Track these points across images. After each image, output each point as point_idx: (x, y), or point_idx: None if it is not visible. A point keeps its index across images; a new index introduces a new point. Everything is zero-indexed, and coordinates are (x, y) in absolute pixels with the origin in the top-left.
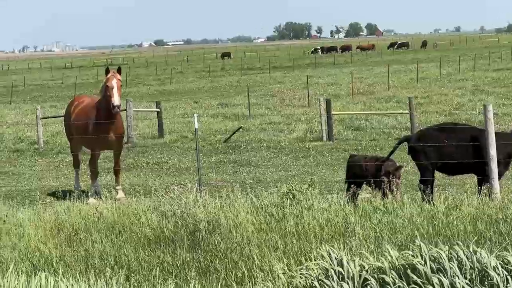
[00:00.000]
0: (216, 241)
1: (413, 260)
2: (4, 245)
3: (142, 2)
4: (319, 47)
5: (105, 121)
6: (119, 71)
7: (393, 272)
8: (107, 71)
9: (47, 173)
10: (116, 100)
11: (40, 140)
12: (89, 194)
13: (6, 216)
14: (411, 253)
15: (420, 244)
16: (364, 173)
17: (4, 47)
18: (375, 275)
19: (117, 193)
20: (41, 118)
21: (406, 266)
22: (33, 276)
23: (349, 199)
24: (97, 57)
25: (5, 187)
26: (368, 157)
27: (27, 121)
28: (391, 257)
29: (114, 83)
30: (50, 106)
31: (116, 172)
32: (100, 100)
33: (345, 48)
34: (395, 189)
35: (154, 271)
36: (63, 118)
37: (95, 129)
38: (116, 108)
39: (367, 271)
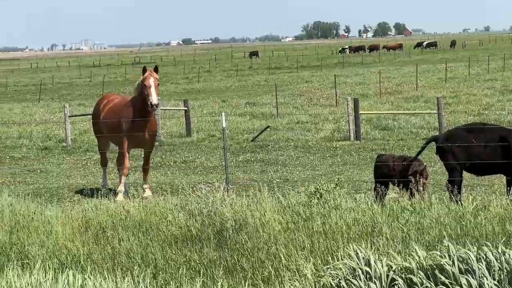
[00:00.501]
0: (243, 240)
1: (441, 261)
2: (32, 242)
3: (171, 1)
4: (346, 47)
5: (140, 119)
6: (156, 70)
7: (420, 273)
8: (144, 70)
9: (74, 171)
10: (154, 99)
11: (68, 138)
12: (117, 192)
13: (34, 213)
14: (439, 253)
15: (448, 245)
16: (392, 172)
17: (33, 45)
18: (403, 275)
19: (145, 191)
20: (69, 116)
21: (434, 266)
22: (60, 273)
23: (376, 199)
24: (125, 56)
25: (34, 185)
26: (396, 157)
27: (55, 119)
28: (419, 257)
29: (151, 82)
30: (78, 104)
31: (145, 171)
32: (135, 98)
33: (373, 48)
34: (422, 189)
35: (181, 269)
36: (91, 116)
37: (129, 128)
38: (154, 106)
39: (394, 271)
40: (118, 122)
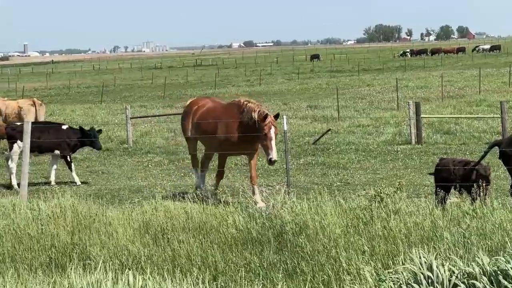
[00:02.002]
0: (303, 243)
1: (506, 266)
2: (93, 243)
3: (233, 3)
4: (408, 50)
5: (246, 134)
6: (276, 117)
7: (484, 278)
8: (265, 116)
9: (136, 173)
10: (274, 155)
11: (129, 139)
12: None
13: (96, 214)
14: (503, 259)
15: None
16: (453, 177)
17: (96, 47)
18: (465, 281)
19: (256, 202)
20: (130, 118)
21: (498, 272)
22: (120, 274)
23: (437, 203)
24: (187, 58)
25: (95, 186)
26: (458, 161)
27: (116, 121)
28: (482, 262)
29: (273, 133)
30: (140, 106)
31: (252, 179)
32: (240, 116)
33: (435, 51)
34: (483, 194)
35: (240, 272)
36: (182, 118)
37: (236, 138)
38: (273, 163)
39: (457, 276)
40: (220, 129)
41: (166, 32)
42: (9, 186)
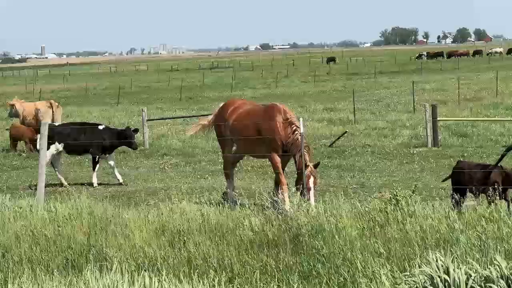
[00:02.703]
0: (318, 245)
1: None
2: (110, 245)
3: (249, 6)
4: (424, 53)
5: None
6: (316, 166)
7: (501, 281)
8: (306, 166)
9: (152, 175)
10: (311, 204)
11: (145, 141)
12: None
13: (112, 216)
14: None
15: None
16: (470, 180)
17: (112, 50)
18: (482, 284)
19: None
20: (146, 120)
21: None
22: (136, 275)
23: (454, 206)
24: (203, 60)
25: (112, 188)
26: (475, 164)
27: (133, 123)
28: (500, 266)
29: (311, 183)
30: (156, 108)
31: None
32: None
33: (452, 54)
34: (503, 198)
35: (256, 274)
36: (215, 120)
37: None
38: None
39: (473, 279)
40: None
41: (182, 34)
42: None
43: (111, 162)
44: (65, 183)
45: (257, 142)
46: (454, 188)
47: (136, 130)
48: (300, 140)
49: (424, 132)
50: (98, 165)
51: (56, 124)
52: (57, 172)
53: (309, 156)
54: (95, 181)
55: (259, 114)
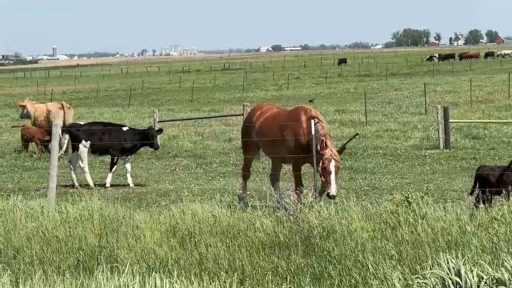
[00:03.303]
0: (330, 247)
1: None
2: (121, 246)
3: (261, 7)
4: (435, 55)
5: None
6: (341, 151)
7: None
8: (325, 145)
9: (163, 176)
10: (333, 190)
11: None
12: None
13: (123, 217)
14: None
15: None
16: (493, 183)
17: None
18: (494, 286)
19: None
20: (158, 122)
21: None
22: (147, 277)
23: (475, 207)
24: (215, 61)
25: (123, 189)
26: (497, 167)
27: (144, 124)
28: (511, 268)
29: (332, 167)
30: (167, 110)
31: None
32: (309, 139)
33: (463, 56)
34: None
35: (267, 276)
36: (244, 123)
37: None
38: (332, 198)
39: (485, 282)
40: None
41: (194, 36)
42: (85, 185)
43: (127, 166)
44: (77, 184)
45: (281, 144)
46: (481, 190)
47: (160, 131)
48: (319, 131)
49: (435, 134)
50: (115, 167)
51: (82, 123)
52: (72, 172)
53: (330, 142)
54: (108, 181)
55: (284, 116)
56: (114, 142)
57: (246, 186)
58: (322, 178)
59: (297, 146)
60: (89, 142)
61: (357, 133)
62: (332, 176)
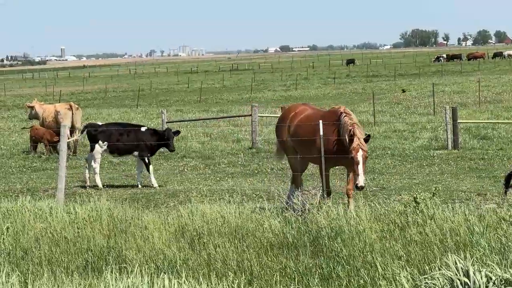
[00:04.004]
0: (338, 248)
1: None
2: (129, 247)
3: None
4: (443, 55)
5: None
6: (367, 139)
7: None
8: (353, 134)
9: (171, 177)
10: (361, 180)
11: None
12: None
13: (132, 218)
14: None
15: None
16: None
17: (132, 52)
18: (502, 287)
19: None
20: (166, 122)
21: None
22: (156, 277)
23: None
24: (223, 62)
25: (131, 190)
26: None
27: (152, 125)
28: None
29: (360, 157)
30: (176, 110)
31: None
32: (340, 135)
33: (471, 57)
34: None
35: (275, 276)
36: (277, 123)
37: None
38: (360, 188)
39: (494, 282)
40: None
41: (202, 37)
42: (94, 186)
43: (141, 169)
44: (88, 184)
45: (313, 145)
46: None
47: (177, 132)
48: (347, 122)
49: (444, 134)
50: (151, 167)
51: (100, 123)
52: (86, 171)
53: (359, 131)
54: (154, 182)
55: (318, 118)
56: (134, 143)
57: (294, 191)
58: (352, 166)
59: (328, 149)
60: (106, 143)
61: (369, 135)
62: (360, 167)
